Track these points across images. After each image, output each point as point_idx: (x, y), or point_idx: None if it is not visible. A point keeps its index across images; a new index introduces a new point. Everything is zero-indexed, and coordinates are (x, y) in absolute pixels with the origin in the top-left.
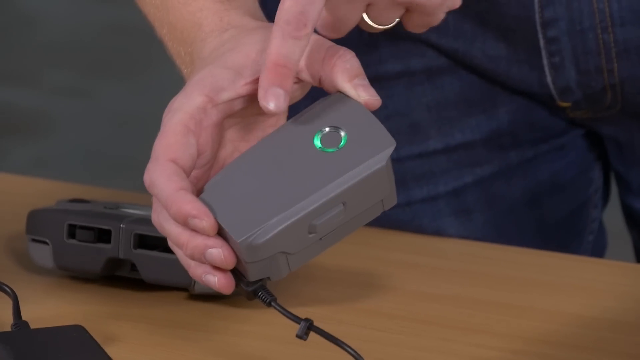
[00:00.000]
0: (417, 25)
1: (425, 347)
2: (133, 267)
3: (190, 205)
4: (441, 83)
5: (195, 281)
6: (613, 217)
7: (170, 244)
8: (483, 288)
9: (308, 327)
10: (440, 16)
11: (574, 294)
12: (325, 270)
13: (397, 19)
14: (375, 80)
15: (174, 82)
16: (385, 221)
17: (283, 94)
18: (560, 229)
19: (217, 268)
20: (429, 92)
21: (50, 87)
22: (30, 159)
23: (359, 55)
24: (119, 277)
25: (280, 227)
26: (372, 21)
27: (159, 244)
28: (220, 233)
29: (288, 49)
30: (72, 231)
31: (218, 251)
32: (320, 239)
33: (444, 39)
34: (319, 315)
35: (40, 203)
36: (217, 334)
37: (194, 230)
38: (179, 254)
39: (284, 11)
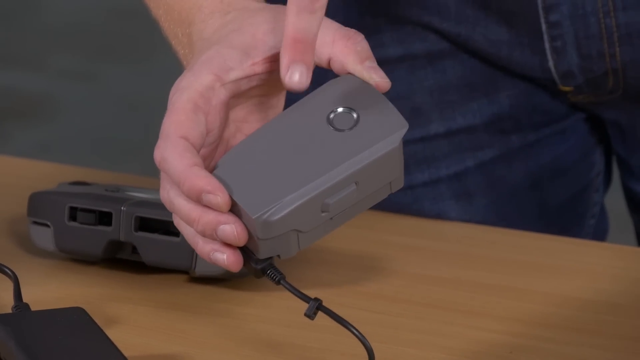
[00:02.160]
0: None
1: (426, 330)
2: (134, 249)
3: (204, 180)
4: (443, 67)
5: (196, 264)
6: (615, 201)
7: (176, 221)
8: (484, 271)
9: (317, 307)
10: None
11: (574, 277)
12: (328, 253)
13: None
14: (377, 64)
15: (180, 66)
16: (387, 205)
17: (305, 69)
18: (562, 212)
19: (226, 245)
20: (431, 76)
21: (56, 71)
22: (35, 143)
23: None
24: (119, 259)
25: (295, 205)
26: None
27: (160, 226)
28: (232, 210)
29: (305, 23)
30: (73, 214)
31: (231, 227)
32: (331, 218)
33: (445, 23)
34: (322, 298)
35: (41, 186)
36: (218, 317)
37: (207, 206)
38: (187, 232)
39: None
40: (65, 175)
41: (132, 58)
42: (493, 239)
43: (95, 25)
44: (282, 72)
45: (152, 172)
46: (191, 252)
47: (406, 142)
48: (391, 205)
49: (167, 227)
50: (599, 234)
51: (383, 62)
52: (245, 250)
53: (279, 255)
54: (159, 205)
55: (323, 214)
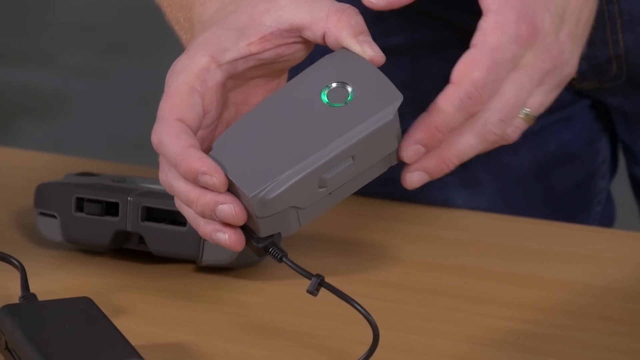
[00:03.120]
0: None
1: (432, 317)
2: (141, 239)
3: (200, 162)
4: (447, 55)
5: (203, 253)
6: (621, 188)
7: (177, 204)
8: (490, 258)
9: (319, 283)
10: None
11: (581, 263)
12: (333, 241)
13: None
14: (386, 53)
15: None
16: (394, 193)
17: (424, 151)
18: (568, 199)
19: (227, 225)
20: (435, 65)
21: (67, 68)
22: (47, 139)
23: (370, 30)
24: (126, 249)
25: (291, 181)
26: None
27: (167, 216)
28: (231, 189)
29: (454, 119)
30: (80, 204)
31: (229, 207)
32: (330, 193)
33: (450, 11)
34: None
35: (48, 178)
36: (224, 306)
37: (204, 187)
38: (188, 213)
39: (470, 82)
40: (72, 167)
41: (143, 54)
42: (499, 226)
43: (106, 21)
44: (405, 141)
45: None
46: (198, 242)
47: None
48: (398, 193)
49: (173, 217)
50: (606, 220)
51: (387, 51)
52: (247, 230)
53: (280, 233)
54: (166, 195)
55: (321, 190)
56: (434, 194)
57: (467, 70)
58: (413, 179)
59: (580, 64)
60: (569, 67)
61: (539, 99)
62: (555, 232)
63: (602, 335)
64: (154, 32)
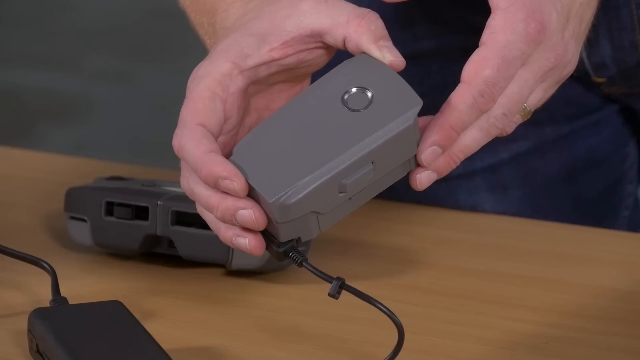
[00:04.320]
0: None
1: (461, 321)
2: (170, 243)
3: (220, 167)
4: None
5: (232, 257)
6: None
7: (199, 208)
8: (518, 262)
9: (340, 286)
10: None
11: (609, 268)
12: (362, 246)
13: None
14: (411, 57)
15: None
16: (423, 197)
17: (441, 153)
18: (596, 204)
19: (247, 230)
20: None
21: (90, 72)
22: (70, 144)
23: (395, 33)
24: (156, 253)
25: (311, 187)
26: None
27: (196, 220)
28: (251, 194)
29: (469, 118)
30: (110, 208)
31: (249, 212)
32: (350, 198)
33: (479, 16)
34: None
35: (77, 182)
36: (254, 309)
37: (225, 192)
38: (209, 218)
39: (481, 80)
40: (102, 171)
41: (165, 58)
42: (527, 230)
43: (129, 25)
44: (422, 145)
45: None
46: (227, 246)
47: None
48: (427, 197)
49: (203, 221)
50: (633, 225)
51: (416, 56)
52: (267, 234)
53: (300, 238)
54: None
55: (341, 195)
56: (461, 198)
57: (478, 69)
58: (422, 180)
59: (609, 69)
60: (570, 65)
61: (538, 96)
62: (583, 237)
63: (630, 339)
64: (177, 36)
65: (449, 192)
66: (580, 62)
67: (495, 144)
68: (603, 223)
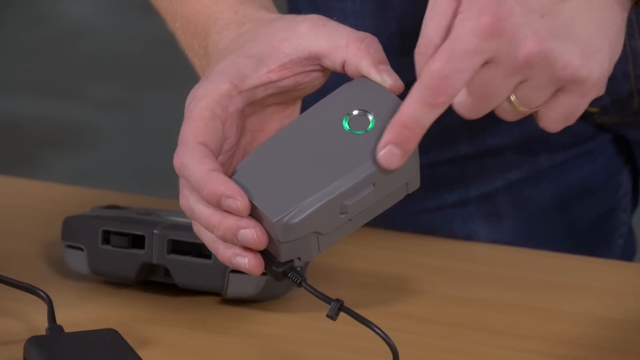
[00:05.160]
0: (558, 114)
1: (455, 350)
2: (166, 272)
3: (223, 185)
4: None
5: (227, 285)
6: None
7: (196, 228)
8: (512, 291)
9: (339, 308)
10: (586, 104)
11: (603, 297)
12: (357, 274)
13: (538, 107)
14: (408, 86)
15: None
16: (417, 226)
17: (401, 154)
18: (590, 232)
19: (247, 249)
20: None
21: (95, 101)
22: (74, 172)
23: (393, 62)
24: (152, 282)
25: (314, 207)
26: (517, 99)
27: (192, 249)
28: (252, 214)
29: (419, 113)
30: (107, 237)
31: (251, 231)
32: (350, 220)
33: None
34: (351, 319)
35: (75, 210)
36: (249, 338)
37: (227, 211)
38: (207, 238)
39: (428, 73)
40: (99, 200)
41: (169, 87)
42: (521, 259)
43: (133, 55)
44: (379, 146)
45: None
46: (223, 274)
47: (436, 163)
48: (422, 226)
49: (199, 250)
50: (627, 254)
51: (412, 83)
52: (266, 254)
53: (299, 258)
54: (191, 228)
55: (342, 216)
56: (456, 227)
57: (428, 63)
58: (386, 155)
59: (602, 98)
60: (561, 64)
61: (525, 93)
62: (577, 266)
63: None
64: (180, 66)
65: (443, 221)
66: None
67: (490, 172)
68: (597, 252)
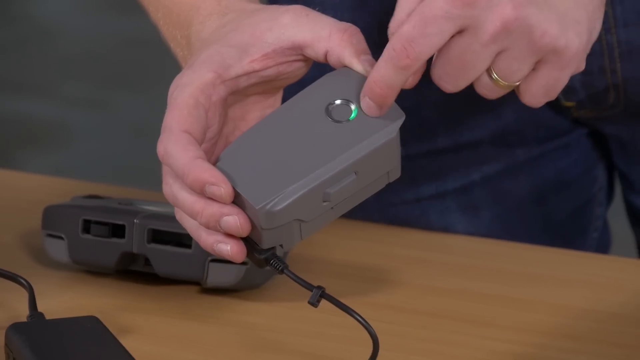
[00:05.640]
0: (539, 87)
1: (433, 339)
2: (147, 261)
3: (207, 173)
4: None
5: (207, 275)
6: (618, 217)
7: (179, 215)
8: (490, 282)
9: (320, 295)
10: (566, 77)
11: (578, 288)
12: (336, 265)
13: (518, 81)
14: None
15: None
16: (395, 218)
17: (375, 107)
18: (566, 225)
19: (229, 236)
20: (437, 91)
21: (68, 99)
22: (48, 169)
23: (371, 56)
24: (132, 271)
25: (297, 195)
26: (497, 73)
27: (172, 238)
28: (235, 201)
29: (385, 72)
30: (87, 226)
31: (234, 218)
32: (332, 207)
33: None
34: (330, 308)
35: (55, 201)
36: (228, 326)
37: (210, 198)
38: (190, 225)
39: (396, 36)
40: (78, 191)
41: (142, 85)
42: (498, 251)
43: (106, 54)
44: (360, 95)
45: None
46: (203, 264)
47: (413, 156)
48: (399, 218)
49: (179, 239)
50: (602, 247)
51: None
52: (249, 241)
53: (281, 245)
54: (172, 218)
55: (324, 204)
56: (433, 219)
57: (399, 25)
58: (363, 104)
59: (578, 93)
60: (539, 31)
61: (504, 64)
62: (553, 258)
63: (598, 358)
64: (153, 64)
65: (421, 213)
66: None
67: (467, 165)
68: (572, 244)
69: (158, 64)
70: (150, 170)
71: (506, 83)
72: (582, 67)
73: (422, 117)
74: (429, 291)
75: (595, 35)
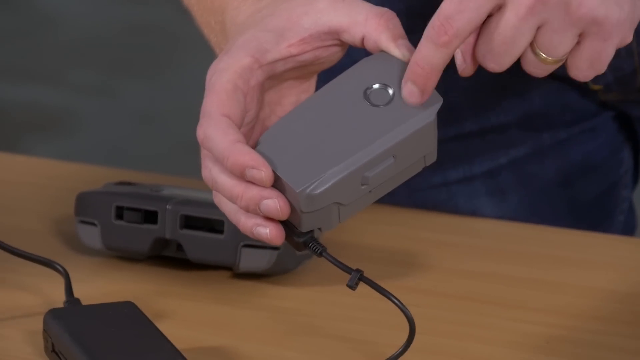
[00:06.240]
0: (584, 61)
1: (463, 322)
2: (179, 247)
3: (248, 156)
4: (478, 68)
5: (239, 260)
6: None
7: (217, 199)
8: (517, 265)
9: (359, 278)
10: (610, 49)
11: (605, 270)
12: (365, 249)
13: (563, 56)
14: None
15: (195, 80)
16: (423, 202)
17: (417, 92)
18: (592, 208)
19: (268, 219)
20: (465, 77)
21: (74, 86)
22: (54, 156)
23: None
24: (165, 256)
25: (337, 178)
26: (540, 49)
27: (205, 224)
28: (275, 185)
29: (427, 51)
30: (120, 212)
31: (274, 201)
32: (370, 191)
33: None
34: (361, 292)
35: (84, 187)
36: (261, 311)
37: (250, 181)
38: (229, 208)
39: (436, 13)
40: (108, 177)
41: (149, 72)
42: (526, 234)
43: (112, 40)
44: (402, 81)
45: None
46: (235, 249)
47: (441, 140)
48: (427, 202)
49: (211, 225)
50: (628, 229)
51: None
52: (287, 224)
53: (320, 228)
54: (203, 204)
55: (363, 187)
56: (461, 203)
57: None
58: (406, 91)
59: (606, 76)
60: (576, 2)
61: (546, 38)
62: (580, 241)
63: (628, 339)
64: (160, 51)
65: (449, 197)
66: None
67: (494, 149)
68: (598, 227)
69: (164, 50)
70: (156, 157)
71: (551, 58)
72: (629, 38)
73: (450, 101)
74: (458, 274)
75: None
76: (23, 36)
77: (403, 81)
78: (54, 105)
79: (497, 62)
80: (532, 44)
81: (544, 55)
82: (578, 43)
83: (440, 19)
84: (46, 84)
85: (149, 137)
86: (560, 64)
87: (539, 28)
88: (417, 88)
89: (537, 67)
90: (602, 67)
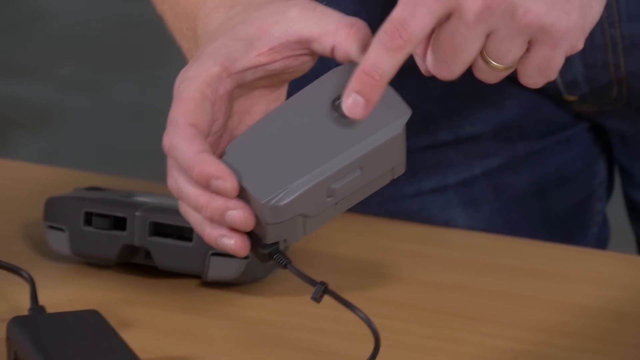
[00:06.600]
0: (533, 68)
1: (432, 335)
2: (147, 254)
3: (213, 166)
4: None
5: (208, 268)
6: (616, 212)
7: (183, 209)
8: (490, 278)
9: (323, 291)
10: (559, 57)
11: (578, 284)
12: (336, 259)
13: (512, 63)
14: None
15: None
16: (395, 211)
17: (363, 102)
18: (566, 220)
19: (233, 230)
20: (440, 85)
21: (61, 81)
22: (41, 152)
23: None
24: (133, 264)
25: (302, 190)
26: (490, 56)
27: (174, 231)
28: (240, 195)
29: (377, 58)
30: (89, 218)
31: (239, 212)
32: (336, 203)
33: None
34: (330, 304)
35: (55, 191)
36: (228, 320)
37: (215, 192)
38: (194, 218)
39: (388, 19)
40: (79, 181)
41: (137, 68)
42: (498, 246)
43: (100, 36)
44: (343, 96)
45: (159, 180)
46: (204, 257)
47: (414, 149)
48: (399, 212)
49: (180, 232)
50: (601, 242)
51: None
52: (253, 236)
53: (285, 240)
54: (173, 211)
55: (329, 199)
56: (434, 213)
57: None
58: (349, 104)
59: (581, 87)
60: (522, 9)
61: (494, 45)
62: (553, 254)
63: (597, 355)
64: (148, 46)
65: (421, 207)
66: (552, 80)
67: (468, 159)
68: (572, 239)
69: (153, 46)
70: (144, 153)
71: (501, 65)
72: (580, 46)
73: (423, 111)
74: (429, 286)
75: (592, 15)
76: (10, 31)
77: (345, 93)
78: (41, 101)
79: (448, 70)
80: (482, 52)
81: (493, 62)
82: (527, 50)
83: (394, 24)
84: (34, 79)
85: (137, 134)
86: (511, 70)
87: (488, 36)
88: (362, 99)
89: (488, 74)
90: (551, 75)
